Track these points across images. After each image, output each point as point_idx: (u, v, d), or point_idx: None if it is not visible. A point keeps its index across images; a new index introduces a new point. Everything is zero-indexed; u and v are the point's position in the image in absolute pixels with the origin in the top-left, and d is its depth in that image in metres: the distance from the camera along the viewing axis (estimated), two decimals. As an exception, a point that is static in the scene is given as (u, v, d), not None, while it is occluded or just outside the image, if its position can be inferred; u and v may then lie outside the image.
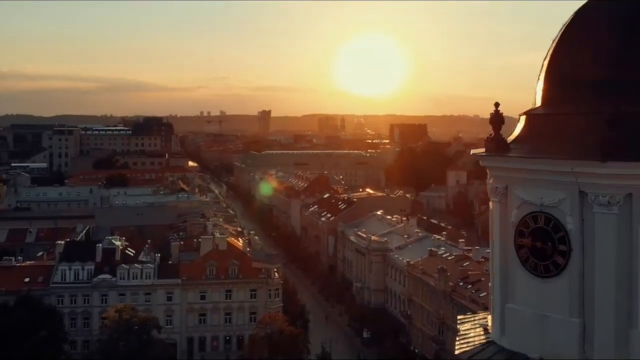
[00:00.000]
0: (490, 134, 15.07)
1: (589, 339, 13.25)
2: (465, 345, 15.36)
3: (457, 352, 15.13)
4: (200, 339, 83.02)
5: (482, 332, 15.73)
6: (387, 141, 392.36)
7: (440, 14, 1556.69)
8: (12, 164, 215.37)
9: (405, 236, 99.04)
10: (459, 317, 17.55)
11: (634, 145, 12.59)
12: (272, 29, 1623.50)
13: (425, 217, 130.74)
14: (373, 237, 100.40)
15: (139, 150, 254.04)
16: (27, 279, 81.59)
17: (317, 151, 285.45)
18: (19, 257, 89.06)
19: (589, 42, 14.19)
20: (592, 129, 13.05)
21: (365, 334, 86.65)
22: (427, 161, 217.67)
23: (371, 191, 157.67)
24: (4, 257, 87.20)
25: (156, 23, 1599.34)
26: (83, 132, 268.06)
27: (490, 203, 15.37)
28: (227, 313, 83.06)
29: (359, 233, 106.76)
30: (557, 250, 13.54)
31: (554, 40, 15.18)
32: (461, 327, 16.61)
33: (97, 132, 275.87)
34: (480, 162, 15.45)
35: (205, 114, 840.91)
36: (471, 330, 16.11)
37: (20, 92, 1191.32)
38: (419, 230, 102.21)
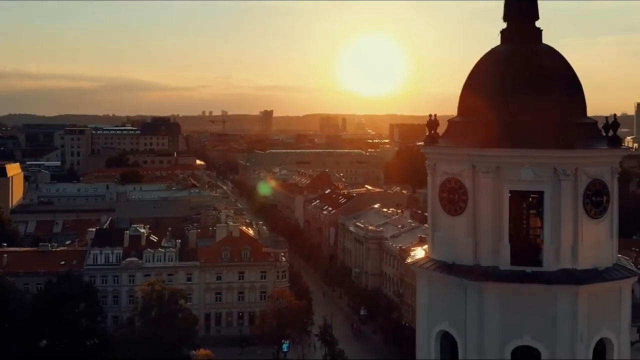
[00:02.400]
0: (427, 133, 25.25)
1: (478, 250, 23.20)
2: (411, 259, 25.53)
3: (406, 262, 25.28)
4: (217, 314, 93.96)
5: (423, 253, 25.83)
6: (387, 141, 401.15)
7: (441, 14, 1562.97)
8: (28, 162, 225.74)
9: (399, 226, 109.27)
10: (412, 248, 27.73)
11: (498, 138, 22.68)
12: (274, 28, 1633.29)
13: (419, 211, 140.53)
14: (370, 227, 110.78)
15: (148, 150, 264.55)
16: (62, 262, 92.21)
17: (319, 150, 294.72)
18: (54, 244, 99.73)
19: (479, 78, 24.27)
20: (477, 129, 23.12)
21: (362, 312, 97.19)
22: (425, 159, 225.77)
23: (370, 187, 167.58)
24: (40, 243, 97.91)
25: (158, 22, 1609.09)
26: (94, 132, 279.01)
27: (428, 175, 25.51)
28: (240, 292, 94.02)
29: (358, 224, 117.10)
30: (461, 199, 23.48)
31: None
32: (411, 253, 26.77)
33: (107, 131, 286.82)
34: (420, 150, 25.62)
35: (207, 113, 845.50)
36: (417, 253, 26.24)
37: (23, 91, 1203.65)
38: (411, 221, 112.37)
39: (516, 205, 22.37)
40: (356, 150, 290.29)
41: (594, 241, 22.30)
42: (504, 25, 25.14)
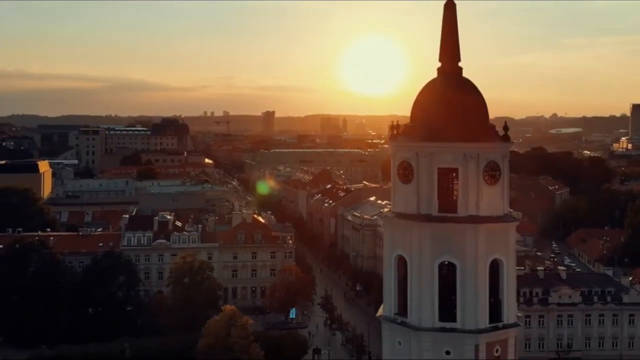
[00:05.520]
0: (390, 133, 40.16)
1: (419, 204, 37.77)
2: (380, 213, 40.47)
3: (378, 214, 40.20)
4: (233, 289, 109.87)
5: (388, 208, 40.64)
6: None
7: (441, 14, 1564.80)
8: (47, 161, 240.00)
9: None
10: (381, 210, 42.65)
11: (431, 136, 37.51)
12: (275, 29, 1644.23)
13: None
14: (366, 216, 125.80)
15: (159, 149, 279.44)
16: (100, 244, 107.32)
17: (321, 150, 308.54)
18: (93, 228, 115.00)
19: (422, 99, 39.08)
20: (419, 130, 37.99)
21: (358, 287, 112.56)
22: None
23: (367, 184, 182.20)
24: (80, 228, 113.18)
25: (160, 23, 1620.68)
26: (107, 132, 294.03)
27: (391, 159, 40.30)
28: (253, 270, 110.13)
29: (355, 214, 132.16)
30: (410, 174, 37.95)
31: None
32: (381, 210, 41.71)
33: (119, 132, 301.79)
34: (386, 143, 40.50)
35: (209, 114, 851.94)
36: (384, 209, 41.17)
37: (25, 91, 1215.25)
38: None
39: (442, 177, 36.52)
40: (356, 150, 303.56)
41: (490, 198, 36.27)
42: (439, 64, 39.77)
